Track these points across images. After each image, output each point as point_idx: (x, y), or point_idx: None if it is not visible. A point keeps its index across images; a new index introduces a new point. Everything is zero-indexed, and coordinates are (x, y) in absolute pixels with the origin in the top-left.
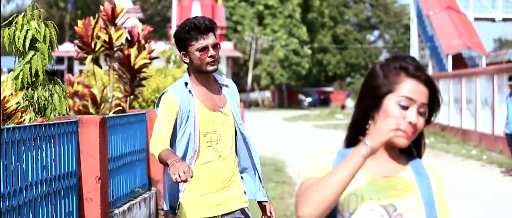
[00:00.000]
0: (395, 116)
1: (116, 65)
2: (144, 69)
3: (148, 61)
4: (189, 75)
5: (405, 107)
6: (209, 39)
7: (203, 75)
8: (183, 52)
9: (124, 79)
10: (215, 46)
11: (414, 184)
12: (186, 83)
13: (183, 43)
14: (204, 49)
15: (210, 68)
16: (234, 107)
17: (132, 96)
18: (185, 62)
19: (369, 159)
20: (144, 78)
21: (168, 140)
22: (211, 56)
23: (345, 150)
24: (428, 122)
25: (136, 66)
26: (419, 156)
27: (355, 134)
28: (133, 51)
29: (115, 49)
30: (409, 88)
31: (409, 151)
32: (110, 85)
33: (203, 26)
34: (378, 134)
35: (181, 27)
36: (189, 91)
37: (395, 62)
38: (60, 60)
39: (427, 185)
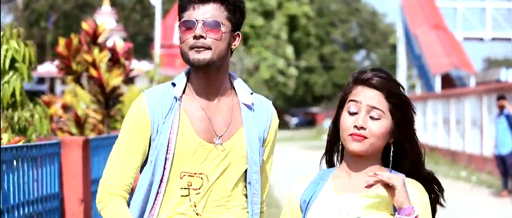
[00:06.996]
0: (346, 123)
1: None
2: (123, 90)
3: (119, 80)
4: (188, 73)
5: (354, 113)
6: (201, 11)
7: (200, 74)
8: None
9: (99, 100)
10: (214, 26)
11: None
12: (173, 84)
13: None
14: (188, 25)
15: (194, 56)
16: (254, 143)
17: (109, 118)
18: None
19: (348, 178)
20: (117, 98)
21: (124, 189)
22: (196, 37)
23: (326, 170)
24: (404, 129)
25: (108, 87)
26: (410, 171)
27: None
28: (104, 71)
29: (81, 71)
30: (355, 93)
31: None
32: (79, 106)
33: None
34: None
35: None
36: (175, 99)
37: (351, 76)
38: (41, 80)
39: None
